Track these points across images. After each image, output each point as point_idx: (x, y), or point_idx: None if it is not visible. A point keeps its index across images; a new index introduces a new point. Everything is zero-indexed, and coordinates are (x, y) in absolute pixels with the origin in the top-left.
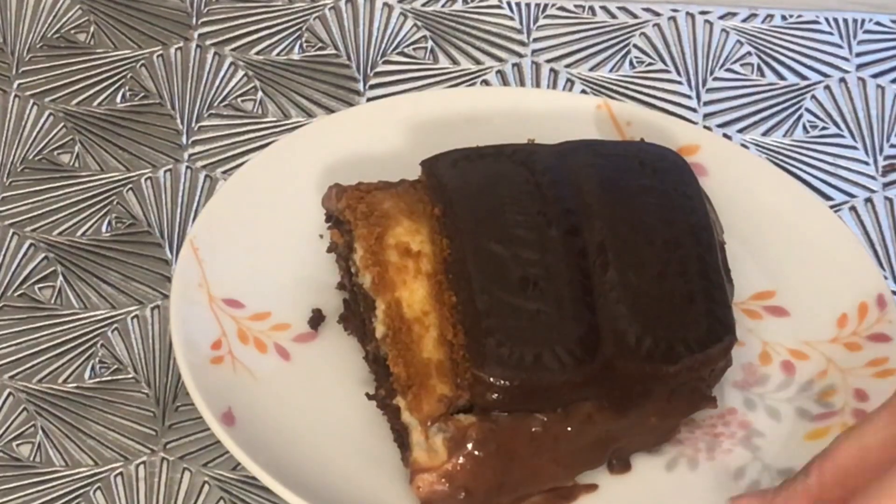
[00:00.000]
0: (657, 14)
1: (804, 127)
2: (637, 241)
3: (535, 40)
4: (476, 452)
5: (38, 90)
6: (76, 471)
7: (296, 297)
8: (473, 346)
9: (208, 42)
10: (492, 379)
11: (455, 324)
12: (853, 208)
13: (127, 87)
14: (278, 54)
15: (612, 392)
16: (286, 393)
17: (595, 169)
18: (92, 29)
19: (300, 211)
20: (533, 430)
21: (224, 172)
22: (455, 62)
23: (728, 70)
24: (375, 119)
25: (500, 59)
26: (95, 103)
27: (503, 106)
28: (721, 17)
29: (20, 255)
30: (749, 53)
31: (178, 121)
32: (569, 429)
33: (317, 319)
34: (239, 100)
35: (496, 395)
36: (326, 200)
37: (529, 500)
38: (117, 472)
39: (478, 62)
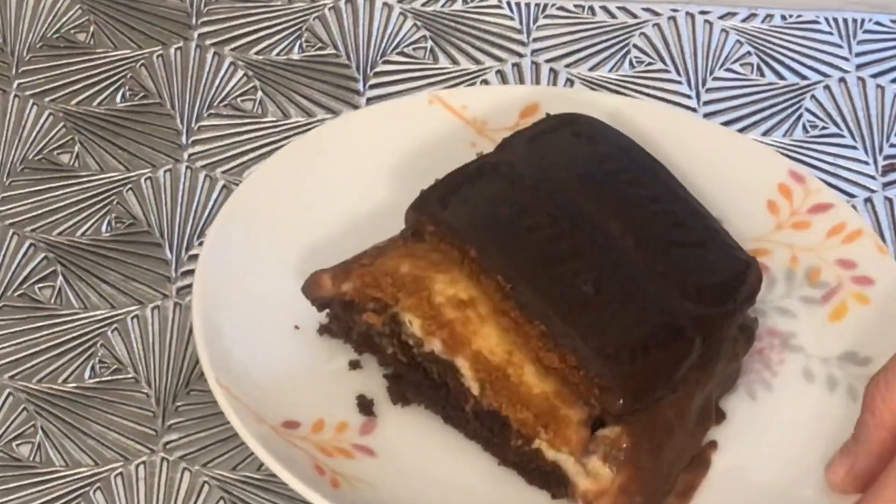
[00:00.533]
0: (657, 14)
1: (804, 127)
2: (632, 209)
3: (535, 40)
4: (635, 457)
5: (37, 90)
6: (76, 471)
7: (329, 393)
8: (589, 362)
9: (208, 42)
10: (625, 381)
11: (553, 349)
12: (853, 208)
13: (127, 87)
14: (278, 54)
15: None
16: (403, 488)
17: (564, 158)
18: (92, 29)
19: (277, 299)
20: (667, 415)
21: (224, 172)
22: (455, 62)
23: (728, 70)
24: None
25: (499, 59)
26: (95, 103)
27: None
28: (721, 17)
29: (20, 255)
30: (749, 53)
31: (178, 121)
32: (687, 401)
33: (367, 405)
34: (239, 100)
35: (631, 395)
36: (315, 289)
37: (680, 480)
38: (117, 472)
39: (477, 62)
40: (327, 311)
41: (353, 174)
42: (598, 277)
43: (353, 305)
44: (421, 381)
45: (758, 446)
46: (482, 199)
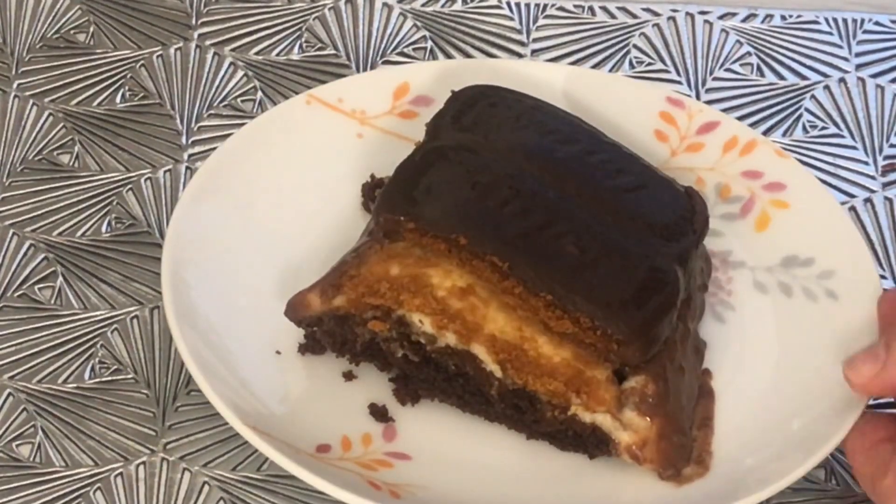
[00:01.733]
0: (657, 14)
1: (804, 127)
2: (575, 165)
3: (535, 40)
4: (664, 401)
5: (37, 90)
6: (76, 471)
7: (340, 410)
8: (603, 319)
9: (208, 42)
10: (640, 329)
11: (563, 316)
12: (853, 208)
13: (127, 88)
14: (278, 54)
15: None
16: (452, 482)
17: (495, 130)
18: (91, 29)
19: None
20: (674, 355)
21: None
22: None
23: (727, 70)
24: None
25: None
26: (95, 103)
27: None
28: (720, 17)
29: (20, 256)
30: (748, 53)
31: (178, 121)
32: (685, 337)
33: (381, 412)
34: (239, 100)
35: (648, 342)
36: (302, 310)
37: (696, 413)
38: (117, 472)
39: None
40: (311, 329)
41: (266, 188)
42: (577, 238)
43: (350, 318)
44: (433, 376)
45: (742, 364)
46: (445, 186)
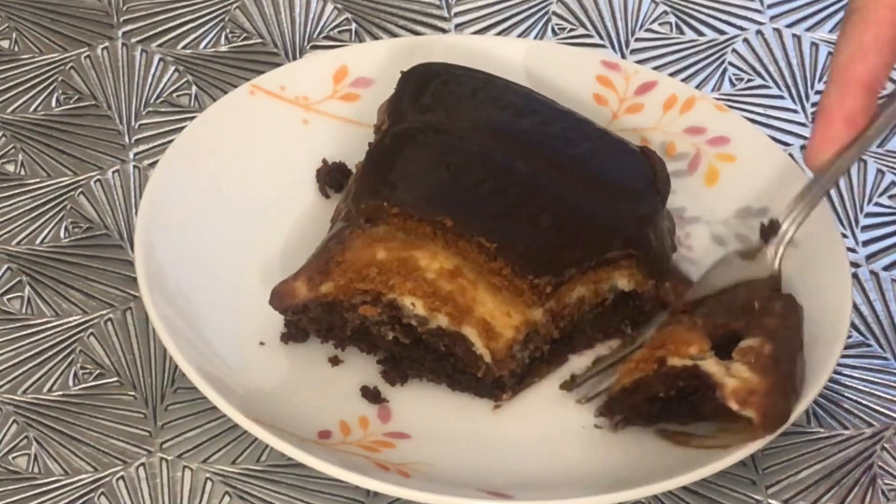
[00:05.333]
0: None
1: (730, 80)
2: (537, 137)
3: (457, 14)
4: (776, 363)
5: None
6: (77, 478)
7: (332, 395)
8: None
9: (133, 40)
10: None
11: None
12: (790, 156)
13: (60, 91)
14: (205, 47)
15: None
16: (458, 454)
17: (454, 108)
18: (14, 35)
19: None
20: (789, 321)
21: None
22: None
23: (648, 30)
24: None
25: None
26: (31, 109)
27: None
28: None
29: None
30: (665, 13)
31: (117, 120)
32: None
33: (374, 394)
34: (174, 95)
35: None
36: (288, 298)
37: None
38: (118, 475)
39: None
40: (297, 317)
41: (220, 185)
42: (553, 214)
43: (338, 304)
44: (423, 357)
45: None
46: (420, 169)
